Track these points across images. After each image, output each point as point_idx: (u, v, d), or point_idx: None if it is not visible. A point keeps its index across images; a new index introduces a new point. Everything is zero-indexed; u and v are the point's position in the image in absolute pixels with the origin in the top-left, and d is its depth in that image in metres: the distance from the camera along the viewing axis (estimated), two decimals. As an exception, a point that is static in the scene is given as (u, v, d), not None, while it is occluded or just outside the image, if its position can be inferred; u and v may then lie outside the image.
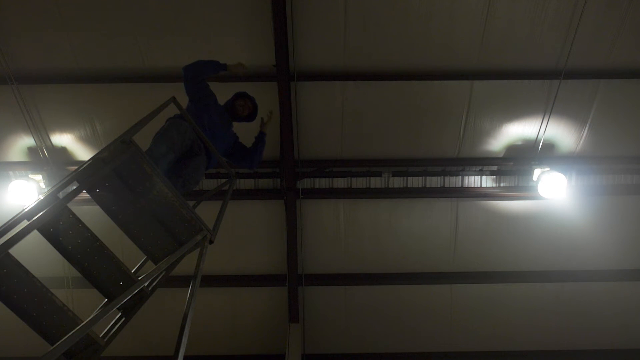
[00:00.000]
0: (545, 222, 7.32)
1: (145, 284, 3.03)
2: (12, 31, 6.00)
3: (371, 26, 6.00)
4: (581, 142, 6.92)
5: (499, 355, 8.20)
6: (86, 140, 6.75)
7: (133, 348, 7.87)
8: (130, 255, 4.58)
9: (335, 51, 6.19)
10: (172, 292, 7.37)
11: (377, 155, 6.95)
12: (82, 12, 5.88)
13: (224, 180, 5.95)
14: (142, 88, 6.38)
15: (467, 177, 7.15)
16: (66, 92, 6.39)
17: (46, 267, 5.82)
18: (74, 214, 2.86)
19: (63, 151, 6.82)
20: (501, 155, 7.00)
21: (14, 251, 2.38)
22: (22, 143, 6.76)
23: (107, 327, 3.17)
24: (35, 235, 2.63)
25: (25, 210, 2.59)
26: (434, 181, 7.14)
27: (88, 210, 5.04)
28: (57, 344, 2.24)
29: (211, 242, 3.56)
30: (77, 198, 2.80)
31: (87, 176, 2.94)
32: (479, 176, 7.17)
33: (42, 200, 2.68)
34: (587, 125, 6.76)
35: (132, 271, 3.21)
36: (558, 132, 6.81)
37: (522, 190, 7.09)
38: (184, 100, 4.27)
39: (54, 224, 2.84)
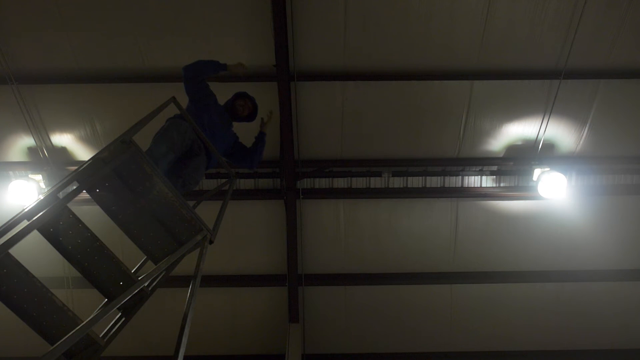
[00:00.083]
0: (545, 222, 7.32)
1: (145, 284, 3.03)
2: (12, 31, 6.00)
3: (371, 26, 6.00)
4: (581, 142, 6.92)
5: (499, 355, 8.20)
6: (86, 140, 6.76)
7: (133, 348, 7.87)
8: (130, 255, 4.59)
9: (335, 51, 6.19)
10: (172, 292, 7.37)
11: (377, 155, 6.95)
12: (82, 12, 5.88)
13: (224, 180, 5.95)
14: (142, 88, 6.38)
15: (467, 177, 7.15)
16: (66, 92, 6.40)
17: (46, 267, 5.83)
18: (74, 214, 2.86)
19: (63, 151, 6.83)
20: (501, 155, 7.00)
21: (14, 251, 2.38)
22: (22, 143, 6.76)
23: (107, 327, 3.17)
24: (35, 235, 2.63)
25: (25, 210, 2.59)
26: (434, 181, 7.14)
27: (88, 210, 5.04)
28: (57, 344, 2.24)
29: (211, 242, 3.56)
30: (77, 198, 2.80)
31: (87, 176, 2.94)
32: (479, 176, 7.17)
33: (42, 200, 2.68)
34: (587, 125, 6.76)
35: (132, 271, 3.21)
36: (558, 132, 6.81)
37: (522, 190, 7.09)
38: (184, 100, 4.27)
39: (54, 224, 2.84)
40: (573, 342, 8.14)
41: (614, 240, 7.45)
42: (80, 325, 2.42)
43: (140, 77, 6.33)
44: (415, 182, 7.13)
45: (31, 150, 6.79)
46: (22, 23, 5.94)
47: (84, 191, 2.80)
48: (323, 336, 8.04)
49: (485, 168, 7.14)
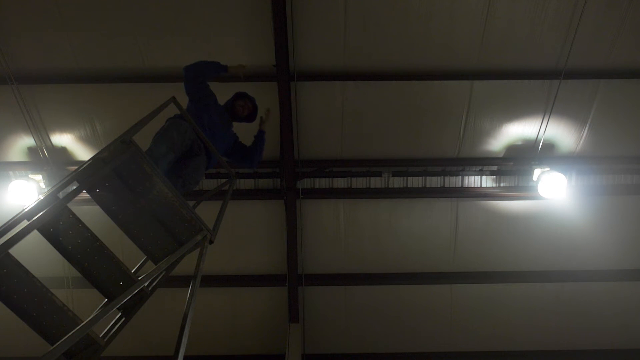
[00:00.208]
0: (545, 222, 7.32)
1: (145, 284, 3.03)
2: (12, 31, 6.00)
3: (371, 26, 6.00)
4: (581, 142, 6.92)
5: (499, 355, 8.20)
6: (86, 140, 6.76)
7: (133, 348, 7.87)
8: (130, 255, 4.58)
9: (335, 51, 6.19)
10: (172, 292, 7.37)
11: (377, 155, 6.95)
12: (82, 12, 5.88)
13: (224, 180, 5.96)
14: (142, 88, 6.38)
15: (467, 177, 7.15)
16: (66, 92, 6.40)
17: (46, 267, 5.82)
18: (74, 214, 2.86)
19: (63, 151, 6.83)
20: (501, 155, 7.00)
21: (14, 251, 2.38)
22: (22, 143, 6.76)
23: (107, 327, 3.17)
24: (35, 235, 2.63)
25: (25, 210, 2.59)
26: (434, 181, 7.14)
27: (88, 210, 5.03)
28: (57, 344, 2.23)
29: (211, 242, 3.56)
30: (77, 198, 2.80)
31: (87, 176, 2.94)
32: (479, 176, 7.17)
33: (42, 200, 2.67)
34: (587, 125, 6.76)
35: (132, 271, 3.20)
36: (558, 132, 6.81)
37: (522, 190, 7.09)
38: (184, 100, 4.27)
39: (54, 224, 2.84)
40: (573, 342, 8.14)
41: (614, 240, 7.45)
42: (80, 325, 2.42)
43: (140, 77, 6.33)
44: (415, 182, 7.13)
45: (31, 150, 6.79)
46: (22, 23, 5.95)
47: (84, 191, 2.80)
48: (323, 336, 8.04)
49: (485, 168, 7.14)
